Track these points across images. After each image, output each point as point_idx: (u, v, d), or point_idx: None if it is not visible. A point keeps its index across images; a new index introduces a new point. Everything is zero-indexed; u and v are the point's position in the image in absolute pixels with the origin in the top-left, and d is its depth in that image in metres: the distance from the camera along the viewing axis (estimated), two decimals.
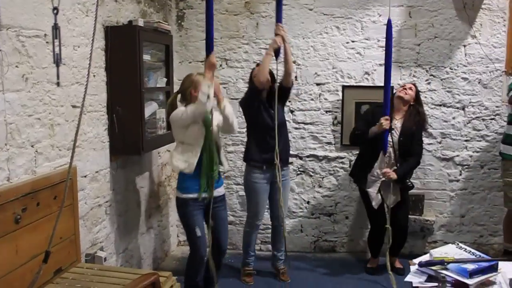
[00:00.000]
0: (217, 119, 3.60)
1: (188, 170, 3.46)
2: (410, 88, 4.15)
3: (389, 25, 3.77)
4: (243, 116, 4.17)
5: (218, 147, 3.59)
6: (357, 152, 4.48)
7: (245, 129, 4.21)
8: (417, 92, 4.22)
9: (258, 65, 4.07)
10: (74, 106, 3.03)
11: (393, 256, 4.47)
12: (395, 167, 4.06)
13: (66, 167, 2.73)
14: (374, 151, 4.08)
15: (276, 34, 3.81)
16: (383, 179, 4.07)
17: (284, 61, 3.92)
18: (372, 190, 4.13)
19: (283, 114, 4.11)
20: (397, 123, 4.14)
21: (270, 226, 4.41)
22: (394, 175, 4.01)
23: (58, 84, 2.84)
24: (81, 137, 3.19)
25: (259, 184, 4.05)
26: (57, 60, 2.79)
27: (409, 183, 4.18)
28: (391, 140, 4.07)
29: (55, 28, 2.67)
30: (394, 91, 4.30)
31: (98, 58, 3.39)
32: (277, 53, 3.83)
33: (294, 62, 4.68)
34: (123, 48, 3.49)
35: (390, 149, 4.09)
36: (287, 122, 4.36)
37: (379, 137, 4.01)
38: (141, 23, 3.57)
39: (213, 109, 3.39)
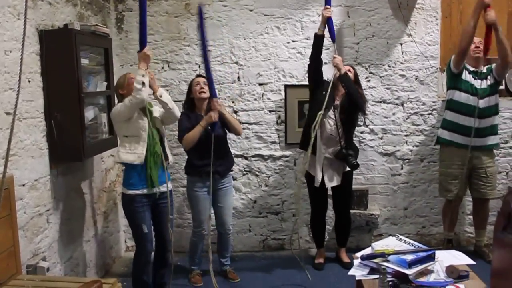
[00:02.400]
0: (157, 111, 3.64)
1: (139, 161, 3.48)
2: (349, 70, 4.26)
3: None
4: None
5: (162, 138, 3.60)
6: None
7: None
8: (356, 75, 4.35)
9: (198, 75, 4.20)
10: (8, 113, 2.93)
11: (341, 247, 4.57)
12: (340, 146, 4.19)
13: (0, 177, 2.63)
14: (315, 113, 4.11)
15: (212, 109, 3.87)
16: (327, 155, 4.19)
17: (231, 129, 4.11)
18: (319, 166, 4.21)
19: (222, 129, 4.12)
20: (338, 102, 4.24)
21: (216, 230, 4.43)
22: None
23: None
24: (18, 145, 3.08)
25: (200, 193, 4.10)
26: None
27: (354, 162, 4.20)
28: (334, 117, 4.18)
29: None
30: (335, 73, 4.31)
31: (33, 63, 3.29)
32: (213, 126, 3.90)
33: (236, 63, 4.73)
34: (59, 53, 3.40)
35: (333, 127, 4.18)
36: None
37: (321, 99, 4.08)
38: (77, 26, 3.50)
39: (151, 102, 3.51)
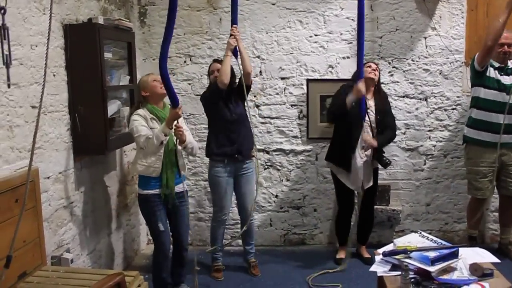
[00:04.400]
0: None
1: (155, 174, 3.57)
2: (376, 69, 4.23)
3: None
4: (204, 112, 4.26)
5: (177, 151, 3.64)
6: (329, 138, 4.48)
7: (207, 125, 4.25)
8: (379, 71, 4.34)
9: (215, 61, 4.17)
10: (33, 107, 2.97)
11: (362, 245, 4.55)
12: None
13: (27, 169, 2.67)
14: (350, 129, 4.12)
15: (231, 35, 3.94)
16: (365, 159, 4.14)
17: (241, 61, 4.01)
18: (356, 172, 4.16)
19: (244, 109, 4.14)
20: (370, 103, 4.21)
21: (239, 221, 4.44)
22: (375, 142, 4.12)
23: (9, 85, 2.75)
24: (43, 138, 3.13)
25: (222, 178, 4.09)
26: (7, 61, 2.70)
27: (387, 160, 4.24)
28: (368, 119, 4.16)
29: (3, 28, 2.59)
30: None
31: (58, 57, 3.33)
32: (235, 53, 3.95)
33: (258, 57, 4.72)
34: (83, 47, 3.43)
35: (368, 129, 4.16)
36: (253, 117, 4.40)
37: (355, 113, 4.04)
38: (101, 20, 3.52)
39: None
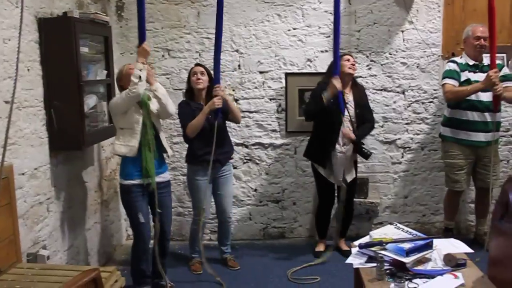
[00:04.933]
0: (155, 104, 3.65)
1: (131, 153, 3.51)
2: (353, 63, 4.24)
3: None
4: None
5: (157, 131, 3.60)
6: (310, 132, 4.48)
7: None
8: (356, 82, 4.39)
9: (197, 65, 4.15)
10: (7, 102, 2.92)
11: (341, 238, 4.59)
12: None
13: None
14: (330, 125, 4.15)
15: (215, 95, 3.87)
16: (346, 152, 4.19)
17: (231, 115, 4.10)
18: (337, 167, 4.20)
19: (222, 119, 4.11)
20: (349, 97, 4.24)
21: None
22: (353, 136, 4.15)
23: None
24: (17, 134, 3.09)
25: (200, 182, 4.10)
26: None
27: (367, 151, 4.26)
28: (348, 114, 4.18)
29: None
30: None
31: (32, 51, 3.28)
32: (216, 112, 3.91)
33: (237, 51, 4.72)
34: (59, 41, 3.39)
35: (348, 123, 4.19)
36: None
37: (333, 109, 4.06)
38: (76, 14, 3.48)
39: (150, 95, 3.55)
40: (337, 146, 4.18)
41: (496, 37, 3.79)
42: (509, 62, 4.58)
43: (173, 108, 3.74)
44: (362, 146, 4.26)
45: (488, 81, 3.95)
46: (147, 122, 3.52)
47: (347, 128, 4.16)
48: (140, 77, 3.36)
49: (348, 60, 4.21)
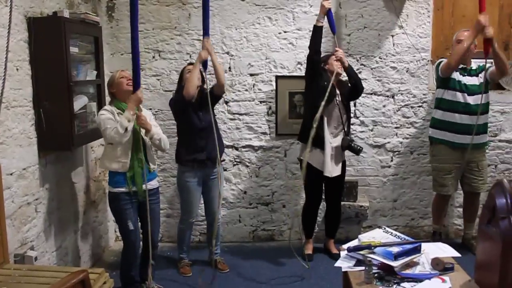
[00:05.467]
0: (145, 114, 3.64)
1: (123, 169, 3.53)
2: (342, 58, 4.22)
3: None
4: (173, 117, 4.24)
5: (145, 145, 3.60)
6: (297, 135, 4.47)
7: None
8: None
9: (190, 64, 4.13)
10: None
11: (330, 238, 4.60)
12: (343, 131, 4.28)
13: None
14: (315, 107, 4.07)
15: (203, 47, 3.90)
16: (336, 144, 4.22)
17: (215, 73, 4.05)
18: (327, 156, 4.19)
19: (213, 116, 4.10)
20: (337, 90, 4.26)
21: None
22: (343, 58, 4.19)
23: None
24: (6, 134, 3.07)
25: (190, 183, 4.10)
26: None
27: (358, 147, 4.30)
28: (337, 104, 4.21)
29: None
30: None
31: (21, 51, 3.26)
32: (204, 65, 3.94)
33: (228, 53, 4.72)
34: (48, 41, 3.38)
35: (338, 113, 4.21)
36: (221, 113, 4.42)
37: (324, 90, 4.03)
38: (66, 14, 3.46)
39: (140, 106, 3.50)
40: (328, 137, 4.19)
41: None
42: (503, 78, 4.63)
43: (167, 144, 3.77)
44: (353, 141, 4.29)
45: (478, 25, 3.94)
46: (136, 137, 3.51)
47: (336, 133, 4.21)
48: (126, 128, 3.34)
49: (337, 58, 4.21)
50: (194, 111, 4.02)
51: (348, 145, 4.26)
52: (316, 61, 4.21)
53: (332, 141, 4.24)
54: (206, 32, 3.90)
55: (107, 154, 3.58)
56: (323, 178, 4.31)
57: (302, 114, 4.53)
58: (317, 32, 4.15)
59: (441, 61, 4.33)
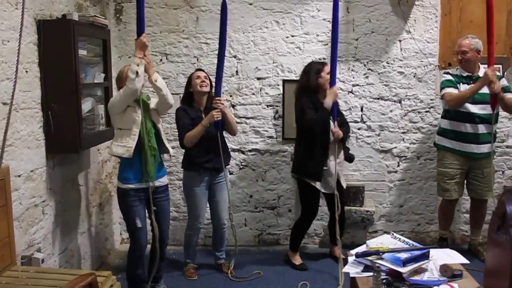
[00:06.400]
0: (153, 102, 3.64)
1: (127, 154, 3.45)
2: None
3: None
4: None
5: (158, 131, 3.58)
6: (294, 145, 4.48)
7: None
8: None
9: (198, 69, 4.16)
10: (4, 104, 2.91)
11: (335, 245, 4.57)
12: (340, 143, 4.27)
13: None
14: (321, 139, 4.15)
15: (215, 108, 3.89)
16: (339, 161, 4.24)
17: (228, 127, 4.13)
18: (331, 176, 4.19)
19: (220, 127, 4.12)
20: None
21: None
22: (341, 133, 4.16)
23: None
24: (14, 136, 3.07)
25: (197, 188, 4.10)
26: None
27: (353, 156, 4.40)
28: (332, 123, 4.19)
29: None
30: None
31: (31, 53, 3.27)
32: (217, 124, 3.97)
33: (235, 56, 4.74)
34: (57, 43, 3.39)
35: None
36: None
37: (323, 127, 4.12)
38: (75, 17, 3.48)
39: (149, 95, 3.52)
40: (332, 163, 4.20)
41: (494, 32, 3.71)
42: (506, 72, 4.61)
43: (172, 98, 3.65)
44: (348, 148, 4.35)
45: (485, 79, 3.90)
46: (147, 122, 3.49)
47: (333, 128, 4.19)
48: (137, 72, 3.27)
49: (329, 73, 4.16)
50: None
51: (346, 154, 4.33)
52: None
53: (333, 158, 4.22)
54: (217, 93, 3.94)
55: (115, 139, 3.54)
56: (321, 192, 4.30)
57: (296, 145, 4.42)
58: (328, 117, 4.10)
59: (444, 93, 4.29)
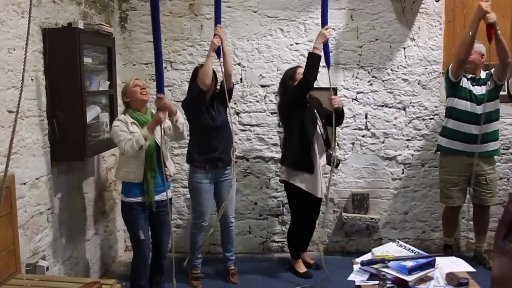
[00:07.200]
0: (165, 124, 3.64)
1: (138, 180, 3.52)
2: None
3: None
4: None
5: (162, 153, 3.58)
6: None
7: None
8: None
9: (201, 65, 4.10)
10: (10, 112, 2.93)
11: (303, 251, 4.59)
12: (325, 150, 4.24)
13: (2, 175, 2.62)
14: (306, 135, 4.08)
15: (215, 35, 3.90)
16: (323, 164, 4.19)
17: (223, 62, 4.00)
18: (318, 177, 4.12)
19: (226, 116, 4.14)
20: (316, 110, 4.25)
21: (219, 228, 4.42)
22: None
23: None
24: (19, 143, 3.08)
25: (202, 184, 4.08)
26: None
27: (339, 161, 4.46)
28: (319, 124, 4.17)
29: None
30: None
31: (36, 61, 3.29)
32: (218, 53, 3.93)
33: (239, 64, 4.73)
34: (63, 51, 3.41)
35: (319, 132, 4.16)
36: (232, 124, 4.39)
37: (309, 114, 4.10)
38: (81, 25, 3.50)
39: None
40: (318, 160, 4.12)
41: None
42: (510, 81, 4.59)
43: (186, 131, 3.77)
44: (331, 155, 4.22)
45: (480, 11, 3.90)
46: (150, 146, 3.51)
47: (319, 153, 4.15)
48: (142, 146, 3.40)
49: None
50: (207, 110, 4.04)
51: (331, 160, 4.20)
52: (310, 90, 4.12)
53: (321, 161, 4.19)
54: (218, 21, 3.92)
55: (121, 164, 3.60)
56: (310, 198, 4.19)
57: (284, 138, 4.37)
58: (318, 62, 3.93)
59: (451, 66, 4.30)
